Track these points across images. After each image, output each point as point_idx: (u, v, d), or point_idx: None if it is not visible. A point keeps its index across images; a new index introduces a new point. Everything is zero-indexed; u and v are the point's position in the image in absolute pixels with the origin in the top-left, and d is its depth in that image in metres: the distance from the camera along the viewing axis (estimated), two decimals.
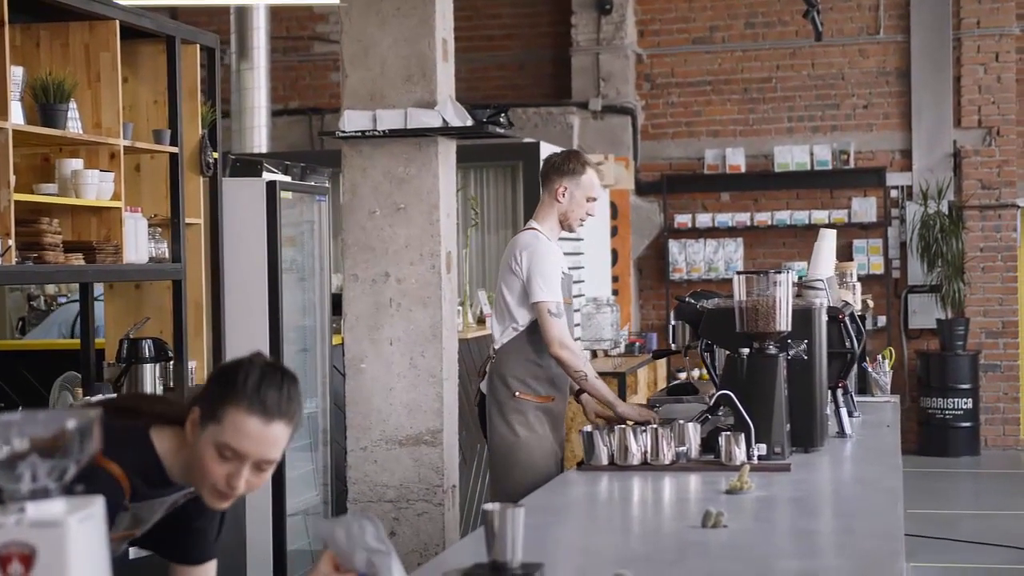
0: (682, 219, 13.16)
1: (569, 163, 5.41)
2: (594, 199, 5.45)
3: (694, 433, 4.41)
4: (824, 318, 4.75)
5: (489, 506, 2.74)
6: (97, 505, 1.80)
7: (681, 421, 4.46)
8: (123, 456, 2.66)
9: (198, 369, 5.99)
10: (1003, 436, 12.82)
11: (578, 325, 10.40)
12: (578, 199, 5.38)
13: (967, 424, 12.46)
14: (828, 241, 5.78)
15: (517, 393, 5.29)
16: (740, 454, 4.24)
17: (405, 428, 5.77)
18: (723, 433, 4.30)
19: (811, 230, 12.71)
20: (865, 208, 12.86)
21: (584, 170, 5.39)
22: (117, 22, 5.35)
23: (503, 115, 6.06)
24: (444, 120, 5.75)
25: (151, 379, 5.52)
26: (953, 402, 12.43)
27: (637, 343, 11.41)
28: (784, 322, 4.45)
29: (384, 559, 2.49)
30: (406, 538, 5.66)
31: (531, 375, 5.29)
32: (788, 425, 4.43)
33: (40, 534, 1.72)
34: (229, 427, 2.60)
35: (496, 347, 5.37)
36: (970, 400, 12.45)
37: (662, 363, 11.66)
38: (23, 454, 1.75)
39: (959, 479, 11.73)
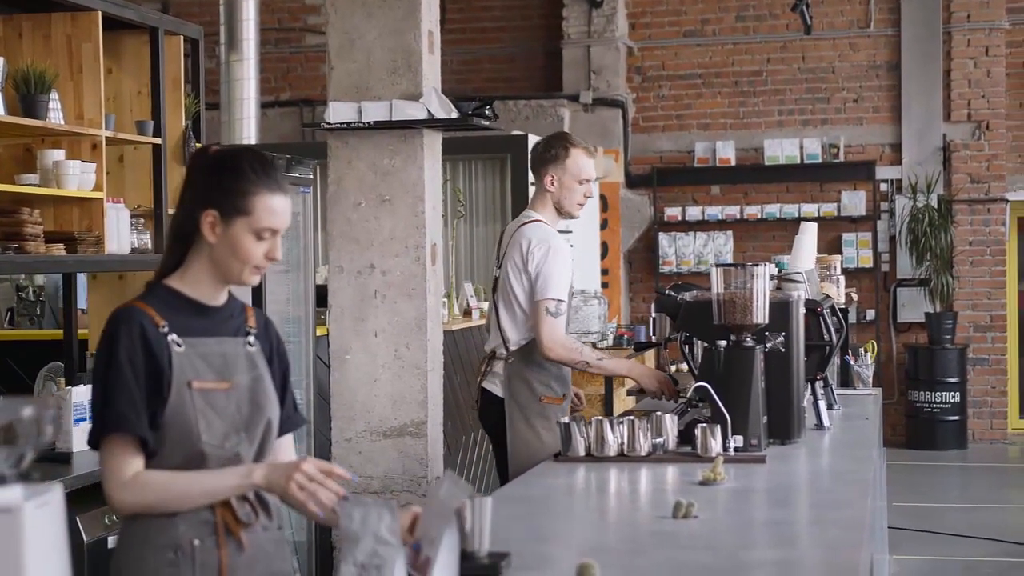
0: (672, 212, 13.18)
1: (551, 149, 5.25)
2: (587, 180, 5.25)
3: (671, 425, 4.43)
4: (802, 311, 4.76)
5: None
6: (55, 492, 1.82)
7: (659, 413, 4.49)
8: (145, 300, 2.90)
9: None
10: (990, 430, 12.85)
11: None
12: (568, 184, 5.22)
13: (955, 418, 12.50)
14: (809, 234, 5.80)
15: (542, 398, 5.17)
16: (716, 446, 4.26)
17: (390, 420, 5.79)
18: (699, 425, 4.32)
19: (800, 224, 12.69)
20: (855, 201, 12.87)
21: (567, 153, 5.22)
22: (99, 13, 5.35)
23: (488, 108, 6.07)
24: (429, 112, 5.76)
25: None
26: (941, 395, 12.46)
27: (626, 336, 11.43)
28: (761, 315, 4.46)
29: (391, 552, 2.52)
30: None
31: (552, 376, 5.20)
32: (765, 417, 4.45)
33: None
34: (261, 214, 2.86)
35: (511, 347, 5.20)
36: (958, 394, 12.49)
37: (651, 355, 11.69)
38: None
39: (946, 472, 11.77)
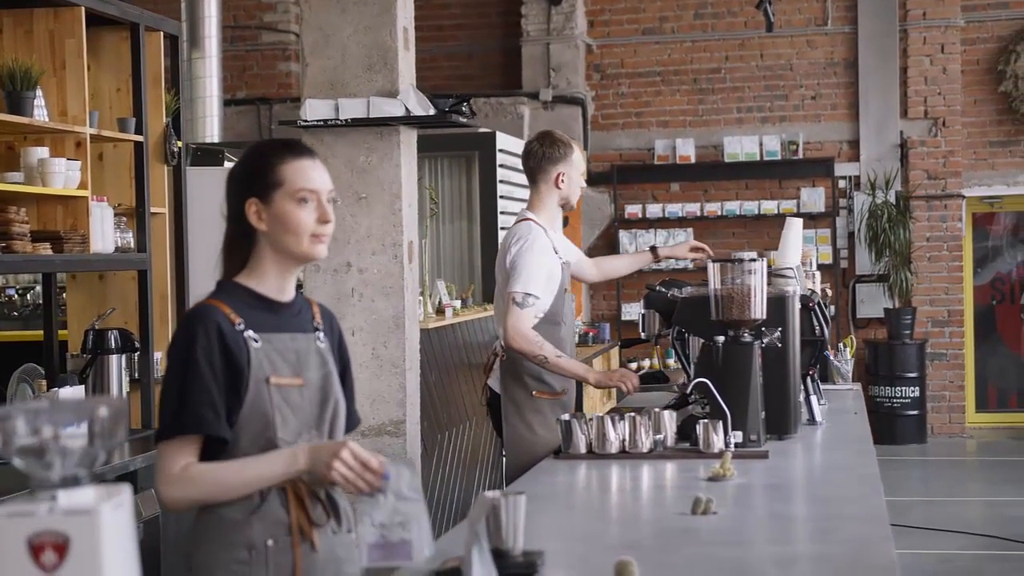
0: (632, 209, 13.20)
1: (558, 148, 5.33)
2: (583, 172, 5.43)
3: (670, 421, 4.42)
4: (797, 306, 4.78)
5: (491, 494, 2.74)
6: (126, 493, 1.78)
7: (657, 409, 4.48)
8: (219, 298, 2.89)
9: (164, 360, 5.91)
10: (949, 424, 12.97)
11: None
12: (575, 179, 5.35)
13: (914, 412, 12.60)
14: (795, 229, 5.82)
15: (535, 392, 5.21)
16: (718, 442, 4.26)
17: (368, 419, 5.76)
18: (700, 421, 4.32)
19: (760, 220, 12.81)
20: (814, 198, 12.95)
21: (573, 150, 5.36)
22: (83, 8, 5.27)
23: (465, 104, 6.04)
24: (407, 109, 5.73)
25: (117, 370, 5.45)
26: (900, 390, 12.56)
27: (590, 333, 11.45)
28: (759, 310, 4.47)
29: (414, 507, 2.51)
30: None
31: (545, 371, 5.19)
32: (763, 412, 4.46)
33: (73, 522, 1.70)
34: (293, 178, 2.87)
35: (504, 345, 5.22)
36: (917, 388, 12.59)
37: (615, 353, 11.72)
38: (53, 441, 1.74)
39: (906, 466, 11.85)
